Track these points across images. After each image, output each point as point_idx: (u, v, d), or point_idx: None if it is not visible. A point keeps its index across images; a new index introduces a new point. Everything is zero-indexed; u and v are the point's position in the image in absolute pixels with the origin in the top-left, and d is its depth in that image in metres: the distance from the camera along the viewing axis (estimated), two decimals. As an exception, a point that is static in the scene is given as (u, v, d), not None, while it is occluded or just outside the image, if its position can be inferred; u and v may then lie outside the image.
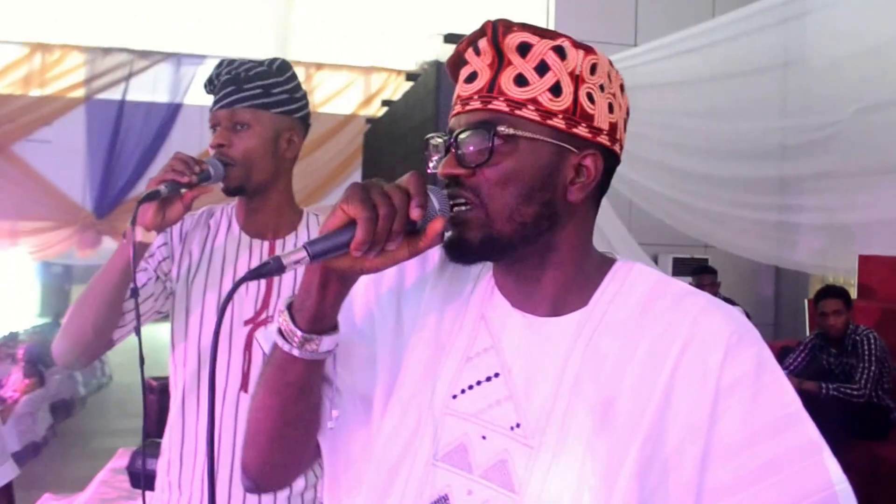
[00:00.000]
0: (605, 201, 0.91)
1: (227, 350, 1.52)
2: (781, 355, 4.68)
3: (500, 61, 0.83)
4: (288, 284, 1.55)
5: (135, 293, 1.38)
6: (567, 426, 0.81)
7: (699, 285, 4.95)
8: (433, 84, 4.00)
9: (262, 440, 0.89)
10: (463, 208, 0.83)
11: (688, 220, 5.43)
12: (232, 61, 1.55)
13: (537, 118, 0.82)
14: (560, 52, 0.83)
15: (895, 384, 4.32)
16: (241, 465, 0.93)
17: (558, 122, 0.82)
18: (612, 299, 0.87)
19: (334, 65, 7.64)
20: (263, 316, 1.53)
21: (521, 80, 0.82)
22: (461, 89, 0.86)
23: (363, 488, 0.88)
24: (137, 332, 1.44)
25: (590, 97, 0.83)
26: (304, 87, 1.62)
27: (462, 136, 0.83)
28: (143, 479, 1.51)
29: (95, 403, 9.32)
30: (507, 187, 0.82)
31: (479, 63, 0.85)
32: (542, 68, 0.82)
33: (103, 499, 4.58)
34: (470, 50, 0.86)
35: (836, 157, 4.48)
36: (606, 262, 0.90)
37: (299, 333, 0.80)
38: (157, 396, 5.11)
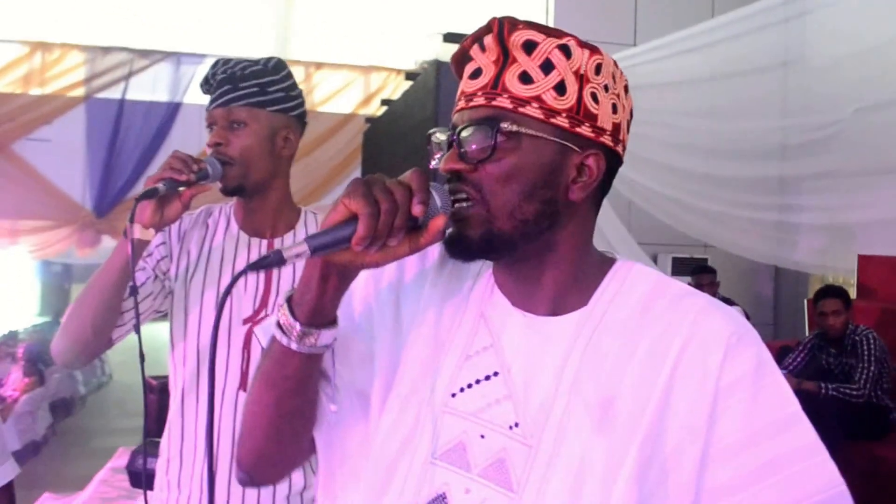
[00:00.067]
0: (604, 201, 0.91)
1: (225, 348, 1.52)
2: (781, 355, 4.67)
3: (505, 58, 0.83)
4: (286, 284, 1.55)
5: (134, 291, 1.38)
6: (566, 426, 0.81)
7: (698, 285, 4.96)
8: (433, 83, 3.99)
9: (257, 433, 0.90)
10: (464, 204, 0.83)
11: (687, 220, 5.43)
12: (228, 60, 1.55)
13: (541, 116, 0.81)
14: (565, 50, 0.83)
15: (894, 384, 4.32)
16: (236, 458, 0.93)
17: (562, 121, 0.82)
18: (611, 299, 0.87)
19: (334, 64, 7.63)
20: (262, 314, 1.53)
21: (525, 78, 0.82)
22: (465, 85, 0.86)
23: (360, 485, 0.88)
24: (137, 330, 1.44)
25: (594, 97, 0.83)
26: (303, 86, 1.62)
27: (465, 131, 0.83)
28: (143, 478, 1.50)
29: (95, 402, 9.29)
30: (509, 184, 0.82)
31: (484, 59, 0.85)
32: (546, 66, 0.82)
33: (103, 498, 4.58)
34: (475, 46, 0.86)
35: (837, 157, 4.48)
36: (606, 262, 0.90)
37: (298, 327, 0.81)
38: (157, 396, 5.10)
